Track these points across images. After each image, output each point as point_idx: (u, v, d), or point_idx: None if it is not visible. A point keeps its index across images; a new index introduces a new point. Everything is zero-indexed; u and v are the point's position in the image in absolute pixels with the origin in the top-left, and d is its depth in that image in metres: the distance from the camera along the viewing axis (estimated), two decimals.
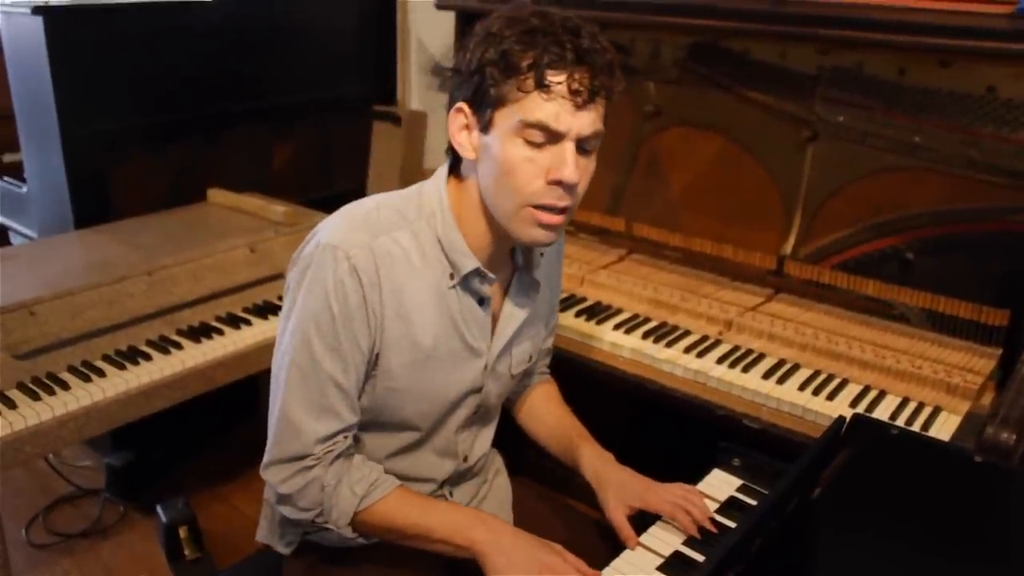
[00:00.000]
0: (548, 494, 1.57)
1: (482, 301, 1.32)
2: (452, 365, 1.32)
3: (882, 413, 1.61)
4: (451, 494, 1.47)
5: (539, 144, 1.16)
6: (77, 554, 2.39)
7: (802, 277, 2.01)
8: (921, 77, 1.80)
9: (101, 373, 1.90)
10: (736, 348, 1.85)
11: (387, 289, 1.23)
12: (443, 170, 1.31)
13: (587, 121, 1.16)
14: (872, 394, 1.68)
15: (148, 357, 1.98)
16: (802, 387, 1.70)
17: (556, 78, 1.13)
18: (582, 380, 1.83)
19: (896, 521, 1.10)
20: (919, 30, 1.71)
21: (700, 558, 1.25)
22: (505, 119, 1.16)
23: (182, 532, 2.04)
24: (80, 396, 1.83)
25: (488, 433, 1.50)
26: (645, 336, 1.90)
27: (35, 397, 1.80)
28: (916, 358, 1.75)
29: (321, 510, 1.26)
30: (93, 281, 1.98)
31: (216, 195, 2.65)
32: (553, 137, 1.16)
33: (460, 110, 1.22)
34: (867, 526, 1.11)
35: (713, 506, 1.37)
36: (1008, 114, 1.72)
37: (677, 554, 1.27)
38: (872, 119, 1.87)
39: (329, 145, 3.13)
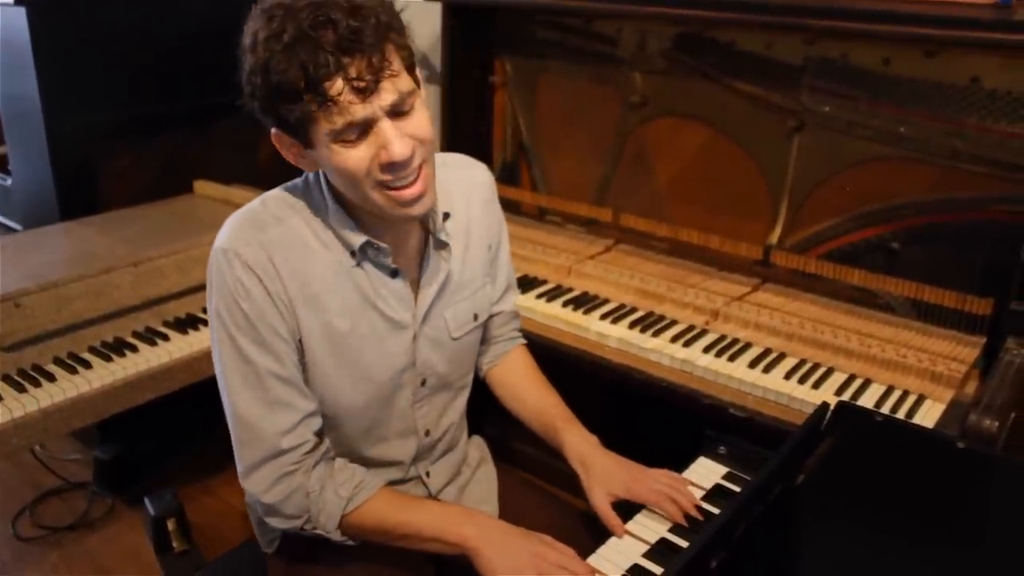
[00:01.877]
0: (533, 483, 1.57)
1: (395, 273, 1.30)
2: (375, 342, 1.30)
3: (867, 401, 1.62)
4: (428, 474, 1.46)
5: (356, 139, 1.12)
6: (65, 547, 2.38)
7: (788, 267, 2.02)
8: (906, 67, 1.81)
9: (87, 365, 1.90)
10: (722, 337, 1.85)
11: (287, 277, 1.22)
12: None
13: (385, 95, 1.11)
14: (857, 383, 1.69)
15: (134, 348, 1.97)
16: (788, 376, 1.70)
17: (334, 87, 1.07)
18: (569, 370, 1.83)
19: (880, 507, 1.11)
20: (904, 20, 1.72)
21: (686, 544, 1.26)
22: (318, 134, 1.13)
23: (170, 524, 2.03)
24: (66, 388, 1.82)
25: (456, 403, 1.48)
26: (632, 326, 1.90)
27: (21, 389, 1.79)
28: (901, 347, 1.76)
29: (308, 516, 1.26)
30: (79, 273, 1.97)
31: (203, 187, 2.64)
32: (365, 127, 1.12)
33: (278, 137, 1.19)
34: (851, 512, 1.12)
35: (699, 493, 1.37)
36: (992, 104, 1.73)
37: (663, 541, 1.28)
38: (857, 109, 1.88)
39: None
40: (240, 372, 1.23)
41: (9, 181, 2.66)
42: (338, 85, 1.07)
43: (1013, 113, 1.70)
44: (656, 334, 1.87)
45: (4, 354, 1.84)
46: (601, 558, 1.25)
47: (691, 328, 1.90)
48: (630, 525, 1.31)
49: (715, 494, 1.38)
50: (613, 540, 1.29)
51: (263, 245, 1.21)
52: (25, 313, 1.87)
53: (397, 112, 1.13)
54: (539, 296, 2.04)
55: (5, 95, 2.51)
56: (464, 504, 1.50)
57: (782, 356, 1.78)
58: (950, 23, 1.67)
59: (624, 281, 2.07)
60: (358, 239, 1.25)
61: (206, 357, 2.04)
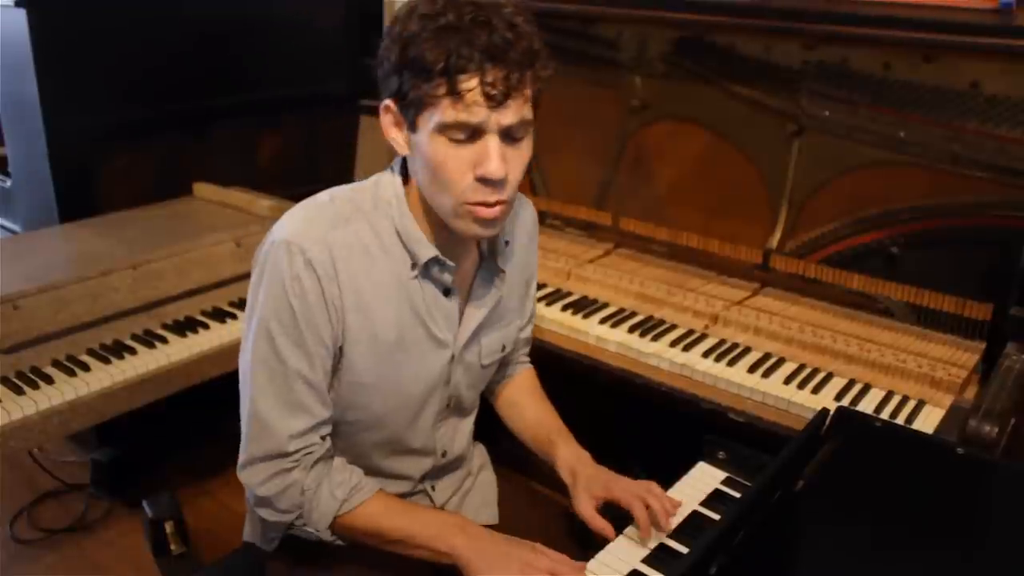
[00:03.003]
0: (532, 488, 1.56)
1: (447, 292, 1.30)
2: (417, 357, 1.30)
3: (867, 406, 1.62)
4: (433, 488, 1.47)
5: (463, 140, 1.14)
6: (62, 550, 2.37)
7: (788, 271, 2.02)
8: (906, 72, 1.80)
9: (86, 367, 1.89)
10: (722, 342, 1.85)
11: (345, 282, 1.21)
12: (397, 162, 1.30)
13: (508, 114, 1.13)
14: (857, 388, 1.69)
15: (133, 351, 1.97)
16: (787, 381, 1.70)
17: (468, 83, 1.10)
18: (568, 374, 1.83)
19: (879, 513, 1.11)
20: (904, 25, 1.72)
21: (685, 550, 1.26)
22: (428, 121, 1.14)
23: (168, 527, 2.03)
24: (64, 390, 1.82)
25: (466, 426, 1.49)
26: (631, 330, 1.90)
27: (19, 391, 1.79)
28: (900, 352, 1.76)
29: (300, 513, 1.26)
30: (78, 275, 1.97)
31: (202, 189, 2.64)
32: (474, 133, 1.13)
33: (387, 108, 1.20)
34: (851, 517, 1.11)
35: (699, 498, 1.37)
36: (991, 109, 1.73)
37: (662, 546, 1.27)
38: (857, 114, 1.88)
39: (315, 139, 3.12)
40: (269, 367, 1.22)
41: (8, 183, 2.65)
42: (472, 83, 1.10)
43: (1013, 118, 1.70)
44: (655, 338, 1.87)
45: (2, 356, 1.84)
46: (600, 563, 1.24)
47: (690, 332, 1.89)
48: (629, 530, 1.31)
49: (714, 499, 1.38)
50: (612, 545, 1.29)
51: (328, 245, 1.20)
52: (23, 315, 1.87)
53: (509, 135, 1.15)
54: (538, 300, 2.04)
55: (4, 97, 2.51)
56: (465, 510, 1.50)
57: (781, 361, 1.78)
58: (950, 28, 1.67)
59: (624, 285, 2.06)
60: (428, 252, 1.25)
61: (205, 360, 2.04)
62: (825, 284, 1.96)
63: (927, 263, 1.85)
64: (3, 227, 2.73)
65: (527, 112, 1.16)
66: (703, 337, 1.88)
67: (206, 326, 2.11)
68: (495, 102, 1.11)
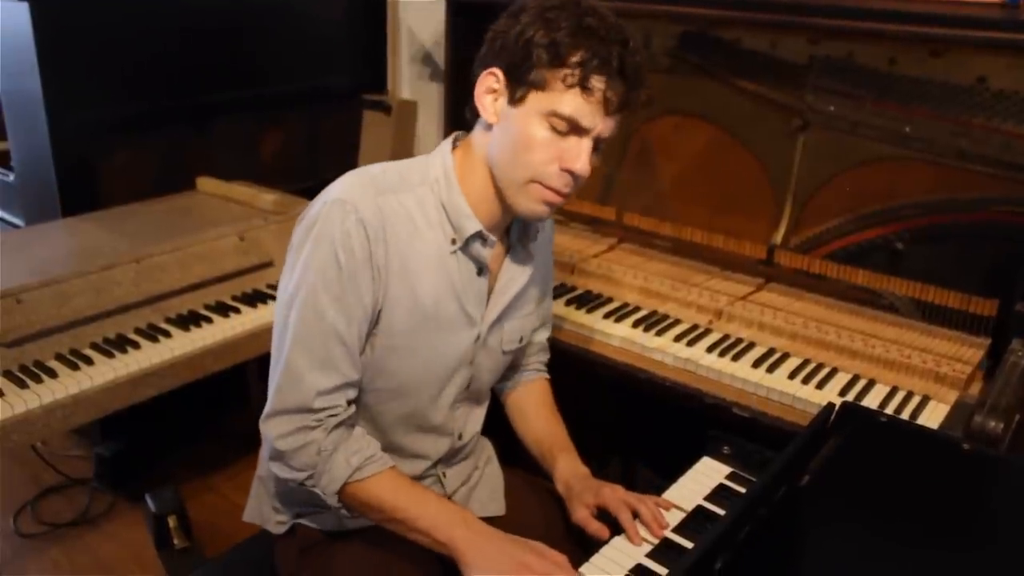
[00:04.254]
0: (537, 483, 1.56)
1: (481, 270, 1.35)
2: (449, 330, 1.34)
3: (871, 402, 1.62)
4: (444, 475, 1.48)
5: (562, 132, 1.22)
6: (66, 543, 2.38)
7: (792, 266, 2.01)
8: (912, 67, 1.80)
9: (89, 361, 1.89)
10: (726, 337, 1.85)
11: (391, 245, 1.26)
12: (447, 142, 1.36)
13: (611, 125, 1.24)
14: (861, 383, 1.68)
15: (136, 345, 1.97)
16: (792, 376, 1.70)
17: (597, 83, 1.19)
18: (572, 368, 1.83)
19: (884, 508, 1.11)
20: (910, 19, 1.71)
21: (690, 545, 1.26)
22: (538, 102, 1.21)
23: (171, 521, 2.04)
24: (68, 384, 1.82)
25: (479, 414, 1.52)
26: (635, 325, 1.90)
27: (22, 385, 1.79)
28: (905, 347, 1.75)
29: (313, 473, 1.27)
30: (81, 269, 1.97)
31: (205, 183, 2.63)
32: (577, 131, 1.22)
33: (493, 74, 1.25)
34: (855, 513, 1.11)
35: (703, 493, 1.37)
36: (998, 104, 1.72)
37: (667, 541, 1.27)
38: (863, 109, 1.87)
39: (319, 134, 3.12)
40: (308, 323, 1.25)
41: (11, 177, 2.65)
42: (600, 86, 1.19)
43: (1020, 113, 1.69)
44: (659, 333, 1.86)
45: (5, 350, 1.84)
46: (605, 558, 1.24)
47: (695, 327, 1.89)
48: (640, 527, 1.30)
49: (719, 494, 1.38)
50: (617, 540, 1.29)
51: (379, 208, 1.26)
52: (26, 309, 1.87)
53: (596, 145, 1.25)
54: None
55: (7, 91, 2.50)
56: (473, 502, 1.51)
57: (786, 356, 1.78)
58: (956, 22, 1.66)
59: (628, 280, 2.06)
60: (474, 225, 1.31)
61: (208, 354, 2.04)
62: (830, 280, 1.96)
63: (932, 259, 1.85)
64: (5, 221, 2.73)
65: (618, 129, 1.27)
66: (707, 332, 1.87)
67: (209, 320, 2.10)
68: (608, 112, 1.21)
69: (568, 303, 2.00)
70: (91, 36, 2.40)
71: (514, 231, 1.41)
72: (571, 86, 1.19)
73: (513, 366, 1.59)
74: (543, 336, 1.63)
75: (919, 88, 1.80)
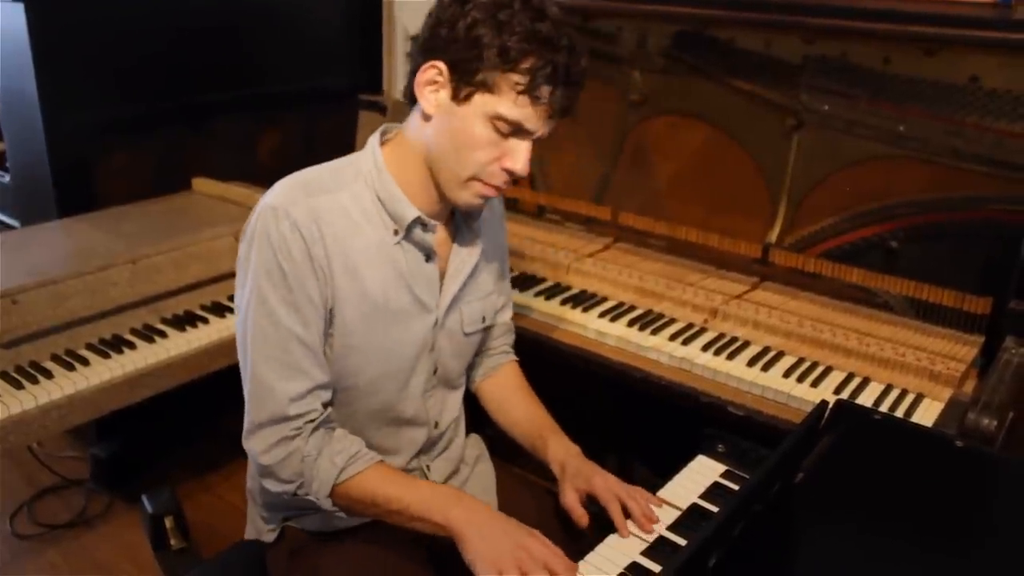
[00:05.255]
0: (529, 479, 1.56)
1: (428, 256, 1.35)
2: (404, 320, 1.34)
3: (866, 400, 1.62)
4: (428, 468, 1.48)
5: (504, 134, 1.23)
6: (62, 545, 2.38)
7: (787, 265, 2.02)
8: (906, 66, 1.80)
9: (85, 362, 1.89)
10: (721, 336, 1.85)
11: (331, 244, 1.26)
12: (375, 137, 1.36)
13: (551, 127, 1.26)
14: (856, 381, 1.69)
15: (132, 346, 1.97)
16: (786, 374, 1.70)
17: (544, 91, 1.20)
18: (567, 368, 1.83)
19: (878, 505, 1.11)
20: (904, 19, 1.72)
21: (684, 542, 1.26)
22: (484, 104, 1.21)
23: (168, 522, 2.03)
24: (64, 385, 1.82)
25: (455, 398, 1.51)
26: (631, 324, 1.90)
27: (18, 386, 1.79)
28: (899, 345, 1.76)
29: (302, 482, 1.27)
30: (77, 269, 1.97)
31: (201, 184, 2.63)
32: (520, 133, 1.24)
33: (436, 67, 1.23)
34: (849, 510, 1.11)
35: (698, 491, 1.37)
36: (991, 103, 1.73)
37: (662, 539, 1.28)
38: (857, 108, 1.88)
39: (315, 134, 3.11)
40: (265, 331, 1.25)
41: (7, 178, 2.65)
42: (545, 95, 1.20)
43: (1013, 112, 1.70)
44: (655, 332, 1.87)
45: (1, 351, 1.83)
46: (600, 556, 1.25)
47: (690, 326, 1.89)
48: (629, 523, 1.31)
49: (713, 492, 1.38)
50: (612, 538, 1.29)
51: (312, 209, 1.25)
52: (22, 310, 1.87)
53: (536, 141, 1.27)
54: (537, 294, 2.04)
55: (3, 92, 2.50)
56: None
57: (781, 354, 1.78)
58: (950, 22, 1.67)
59: (623, 279, 2.06)
60: (411, 212, 1.30)
61: (204, 354, 2.04)
62: (824, 278, 1.96)
63: (926, 257, 1.85)
64: (1, 222, 2.73)
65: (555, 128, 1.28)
66: (702, 331, 1.88)
67: (205, 320, 2.11)
68: (552, 116, 1.23)
69: (564, 302, 2.00)
70: (87, 36, 2.40)
71: (458, 214, 1.41)
72: (519, 92, 1.19)
73: (480, 350, 1.57)
74: (506, 315, 1.62)
75: (913, 87, 1.80)
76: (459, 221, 1.42)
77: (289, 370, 1.26)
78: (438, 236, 1.37)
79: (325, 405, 1.31)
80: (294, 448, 1.26)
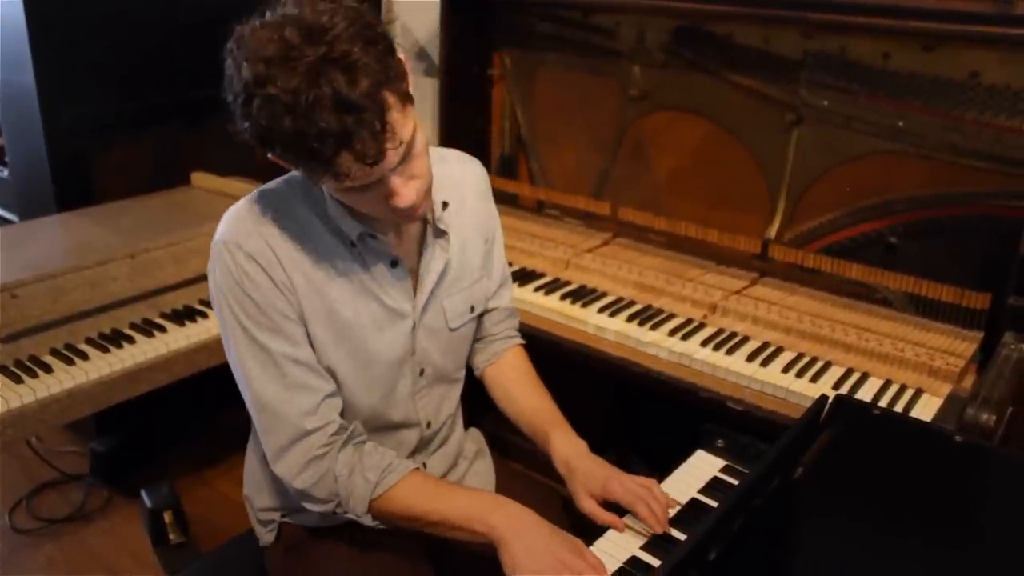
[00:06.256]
0: (530, 475, 1.56)
1: (395, 263, 1.30)
2: (376, 331, 1.31)
3: (865, 395, 1.62)
4: (425, 466, 1.45)
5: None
6: (61, 539, 2.38)
7: (786, 261, 2.02)
8: (905, 62, 1.80)
9: (84, 356, 1.89)
10: (720, 331, 1.85)
11: (289, 266, 1.23)
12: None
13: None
14: (855, 376, 1.69)
15: (131, 340, 1.97)
16: (786, 369, 1.71)
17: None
18: (567, 363, 1.83)
19: (877, 500, 1.11)
20: (903, 14, 1.71)
21: (684, 537, 1.26)
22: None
23: (167, 517, 2.03)
24: (63, 379, 1.82)
25: (451, 395, 1.48)
26: (630, 319, 1.90)
27: (18, 380, 1.79)
28: (899, 341, 1.76)
29: (339, 501, 1.26)
30: (76, 264, 1.97)
31: (200, 179, 2.63)
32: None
33: (275, 156, 1.14)
34: (849, 505, 1.12)
35: (697, 486, 1.38)
36: (991, 99, 1.73)
37: (661, 533, 1.28)
38: (856, 103, 1.88)
39: None
40: (257, 360, 1.23)
41: (6, 172, 2.65)
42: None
43: (1012, 108, 1.70)
44: (654, 327, 1.87)
45: (0, 345, 1.84)
46: (599, 550, 1.25)
47: (689, 321, 1.90)
48: (627, 517, 1.31)
49: (713, 487, 1.38)
50: (611, 532, 1.29)
51: (263, 235, 1.22)
52: (21, 304, 1.87)
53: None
54: (537, 289, 2.04)
55: (2, 87, 2.50)
56: None
57: (780, 350, 1.78)
58: (950, 17, 1.67)
59: (622, 274, 2.06)
60: (356, 229, 1.25)
61: (203, 349, 2.04)
62: (824, 274, 1.96)
63: (925, 253, 1.85)
64: (0, 216, 2.73)
65: (407, 129, 1.10)
66: (702, 326, 1.88)
67: (204, 315, 2.10)
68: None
69: (563, 298, 2.00)
70: (85, 31, 2.39)
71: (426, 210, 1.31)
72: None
73: (480, 337, 1.54)
74: (505, 299, 1.55)
75: (912, 83, 1.80)
76: (427, 216, 1.34)
77: (291, 391, 1.24)
78: (408, 233, 1.33)
79: (342, 415, 1.29)
80: (325, 469, 1.25)
